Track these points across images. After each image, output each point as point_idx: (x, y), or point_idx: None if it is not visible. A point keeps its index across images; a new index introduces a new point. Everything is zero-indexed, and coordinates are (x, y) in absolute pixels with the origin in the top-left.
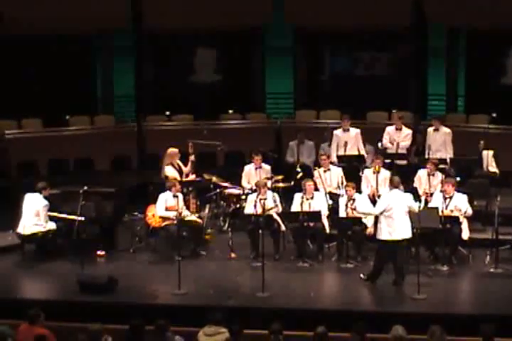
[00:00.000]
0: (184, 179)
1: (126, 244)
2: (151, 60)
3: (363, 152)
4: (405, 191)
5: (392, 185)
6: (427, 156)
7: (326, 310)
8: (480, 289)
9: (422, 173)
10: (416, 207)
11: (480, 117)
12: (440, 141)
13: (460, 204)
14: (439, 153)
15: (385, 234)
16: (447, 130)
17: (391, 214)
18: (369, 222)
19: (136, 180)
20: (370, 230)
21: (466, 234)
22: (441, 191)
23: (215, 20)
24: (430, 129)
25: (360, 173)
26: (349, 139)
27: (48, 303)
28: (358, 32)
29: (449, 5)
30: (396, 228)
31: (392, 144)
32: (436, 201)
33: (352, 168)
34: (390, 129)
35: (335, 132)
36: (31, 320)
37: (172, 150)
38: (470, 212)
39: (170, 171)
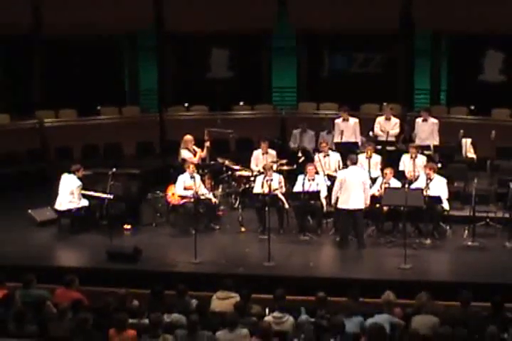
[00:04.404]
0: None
1: (149, 219)
2: (172, 58)
3: (358, 139)
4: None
5: (350, 162)
6: (415, 144)
7: (324, 278)
8: (459, 260)
9: (405, 158)
10: (368, 184)
11: (460, 109)
12: (428, 131)
13: (438, 189)
14: (428, 141)
15: (341, 203)
16: (434, 120)
17: (347, 187)
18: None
19: (158, 163)
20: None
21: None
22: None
23: (228, 23)
24: (419, 120)
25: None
26: (348, 128)
27: (80, 270)
28: (354, 35)
29: (433, 12)
30: (350, 198)
31: (383, 132)
32: (420, 182)
33: (348, 154)
34: (380, 119)
35: (336, 121)
36: (67, 284)
37: (187, 136)
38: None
39: (186, 154)
